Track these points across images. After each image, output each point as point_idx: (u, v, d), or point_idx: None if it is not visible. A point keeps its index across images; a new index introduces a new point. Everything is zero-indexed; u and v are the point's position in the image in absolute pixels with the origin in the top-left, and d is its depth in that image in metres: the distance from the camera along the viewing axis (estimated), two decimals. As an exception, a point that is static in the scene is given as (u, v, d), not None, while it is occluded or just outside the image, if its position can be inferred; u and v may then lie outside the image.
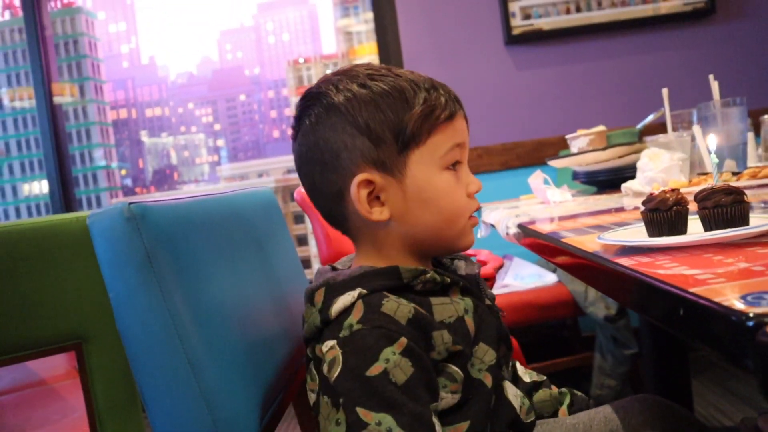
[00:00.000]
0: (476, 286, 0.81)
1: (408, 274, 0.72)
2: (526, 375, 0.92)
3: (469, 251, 1.90)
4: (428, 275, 0.72)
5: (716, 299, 0.43)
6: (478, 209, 0.79)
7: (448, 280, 0.75)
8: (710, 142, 0.76)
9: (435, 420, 0.66)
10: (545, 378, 0.94)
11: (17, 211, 58.29)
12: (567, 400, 0.92)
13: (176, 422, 0.67)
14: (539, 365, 2.25)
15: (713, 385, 2.27)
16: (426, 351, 0.68)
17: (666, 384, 1.46)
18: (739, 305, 0.41)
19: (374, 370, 0.64)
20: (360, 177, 0.72)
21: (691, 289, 0.47)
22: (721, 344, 0.43)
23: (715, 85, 1.39)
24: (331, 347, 0.68)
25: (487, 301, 0.80)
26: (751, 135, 1.44)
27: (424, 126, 0.73)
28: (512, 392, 0.79)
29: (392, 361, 0.65)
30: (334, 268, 0.79)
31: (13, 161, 59.17)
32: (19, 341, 1.13)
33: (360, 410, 0.63)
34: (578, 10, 2.75)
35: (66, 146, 3.09)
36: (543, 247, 0.97)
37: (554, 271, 2.33)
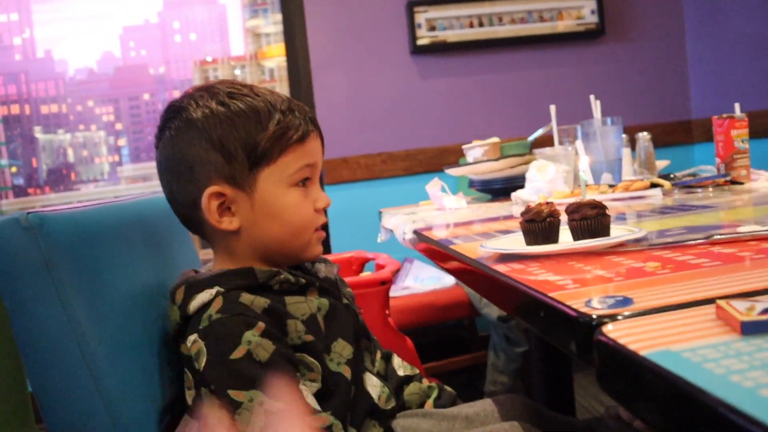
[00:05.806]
0: (335, 287, 0.88)
1: (263, 274, 0.78)
2: (400, 369, 0.98)
3: (369, 254, 1.96)
4: (282, 276, 0.79)
5: (568, 302, 0.50)
6: (325, 224, 0.87)
7: (303, 281, 0.81)
8: (582, 161, 0.84)
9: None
10: (417, 372, 1.01)
11: None
12: (434, 394, 0.99)
13: (76, 428, 0.68)
14: (437, 364, 2.35)
15: (595, 378, 2.46)
16: (283, 336, 0.75)
17: (550, 379, 1.57)
18: (585, 308, 0.48)
19: (238, 353, 0.71)
20: (210, 189, 0.79)
21: (550, 294, 0.53)
22: (571, 343, 0.49)
23: (596, 104, 1.51)
24: (194, 341, 0.73)
25: (345, 300, 0.87)
26: (627, 150, 1.57)
27: (275, 146, 0.80)
28: (372, 382, 0.86)
29: (254, 341, 0.71)
30: (196, 272, 0.84)
31: None
32: None
33: (231, 392, 0.69)
34: (481, 24, 2.87)
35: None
36: (435, 252, 1.03)
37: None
